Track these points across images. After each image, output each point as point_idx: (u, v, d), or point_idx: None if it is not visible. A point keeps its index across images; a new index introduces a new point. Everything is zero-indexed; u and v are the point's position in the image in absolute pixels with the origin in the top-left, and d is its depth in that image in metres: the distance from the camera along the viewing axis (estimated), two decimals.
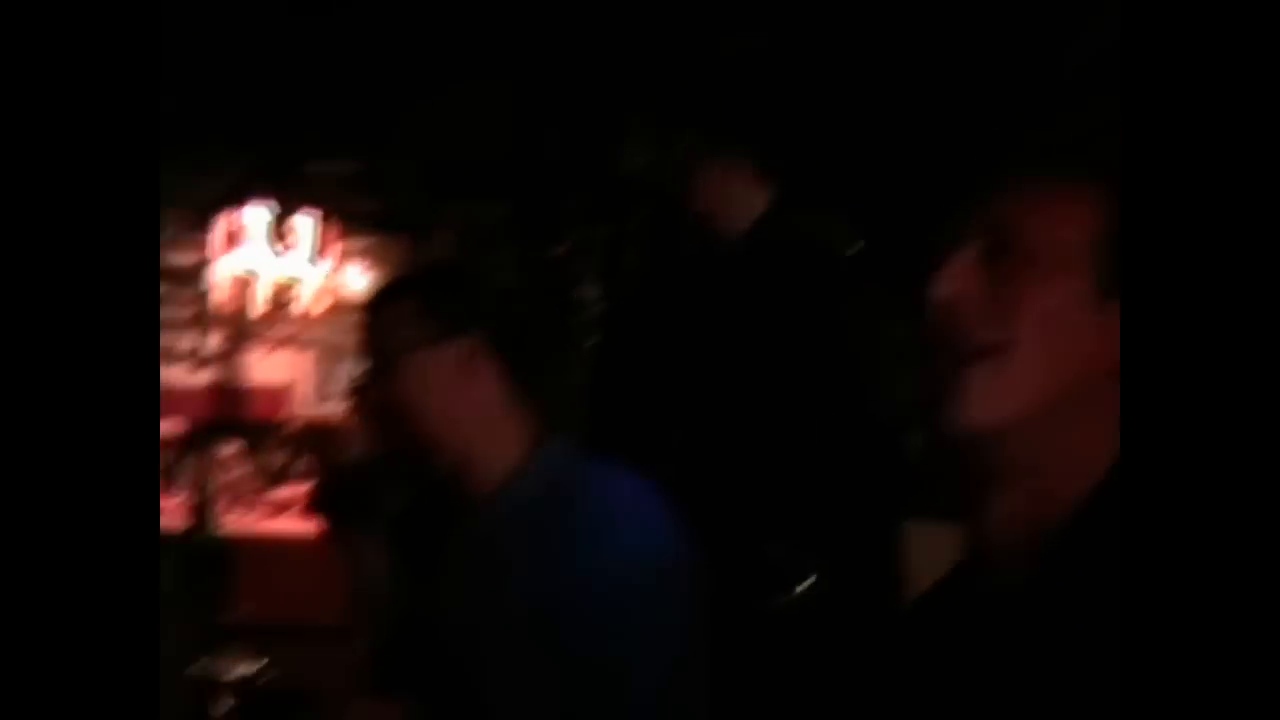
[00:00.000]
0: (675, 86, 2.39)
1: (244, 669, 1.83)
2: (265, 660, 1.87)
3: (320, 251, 4.94)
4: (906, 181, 3.24)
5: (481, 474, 1.56)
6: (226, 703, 1.75)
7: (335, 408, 5.59)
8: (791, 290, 2.15)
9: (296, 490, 4.87)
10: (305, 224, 4.88)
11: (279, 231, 4.80)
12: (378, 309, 1.66)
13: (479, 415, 1.57)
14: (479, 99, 4.78)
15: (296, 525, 4.40)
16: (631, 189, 3.63)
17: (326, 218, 4.98)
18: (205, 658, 1.80)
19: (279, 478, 5.35)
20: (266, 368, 5.69)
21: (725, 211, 2.21)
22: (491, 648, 1.50)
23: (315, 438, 5.64)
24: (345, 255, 5.29)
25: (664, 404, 2.27)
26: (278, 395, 5.72)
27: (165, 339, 5.58)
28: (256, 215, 4.81)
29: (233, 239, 4.82)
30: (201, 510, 2.32)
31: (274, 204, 4.83)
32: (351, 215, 5.34)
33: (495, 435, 1.58)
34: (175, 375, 5.54)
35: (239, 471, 4.84)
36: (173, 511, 4.39)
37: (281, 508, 4.64)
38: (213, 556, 2.28)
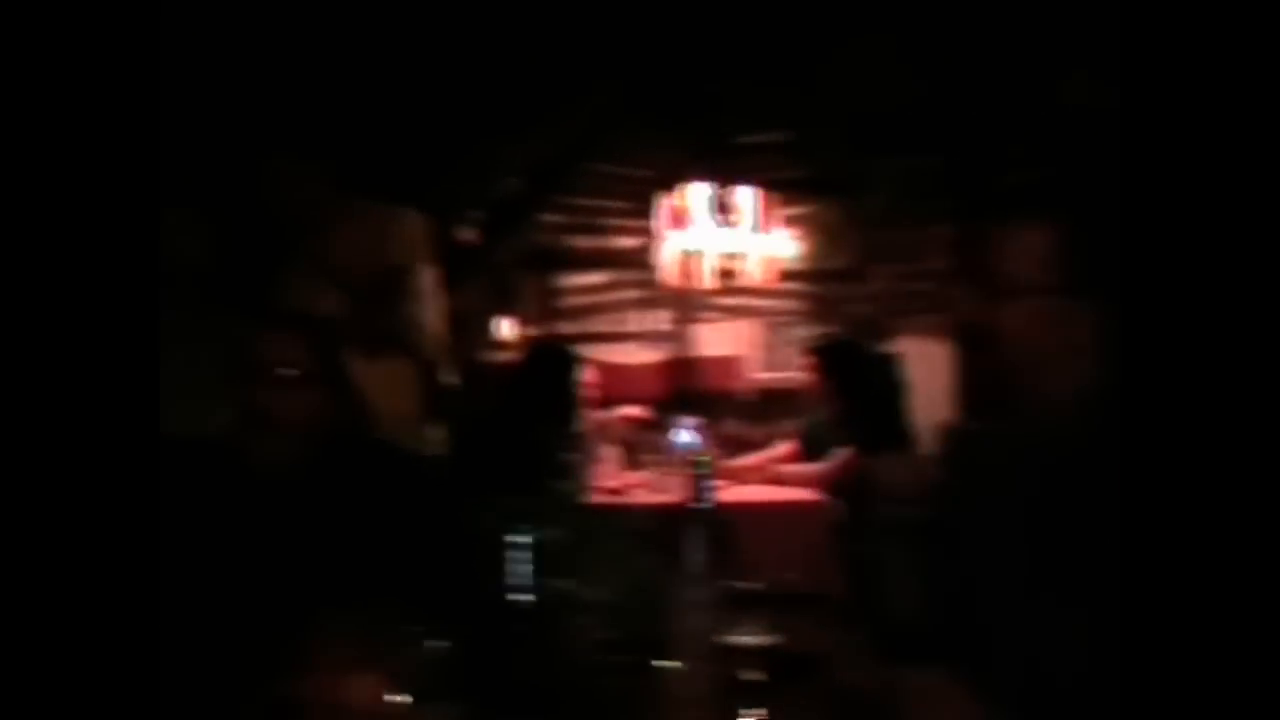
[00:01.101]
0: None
1: (759, 636, 1.87)
2: (775, 627, 1.90)
3: (762, 222, 4.99)
4: None
5: None
6: (752, 670, 1.79)
7: (787, 375, 5.66)
8: None
9: (757, 458, 4.97)
10: (746, 197, 4.94)
11: (721, 207, 4.88)
12: None
13: None
14: (876, 53, 4.70)
15: (759, 494, 4.48)
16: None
17: (764, 188, 5.02)
18: (723, 625, 1.85)
19: (738, 447, 5.48)
20: (715, 339, 5.84)
21: None
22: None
23: (769, 404, 5.75)
24: (784, 223, 5.32)
25: None
26: (728, 365, 5.85)
27: (615, 320, 5.85)
28: (698, 193, 4.91)
29: (677, 218, 4.95)
30: (697, 481, 2.36)
31: (713, 180, 4.92)
32: (786, 183, 5.37)
33: None
34: (628, 354, 5.80)
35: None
36: (638, 488, 4.62)
37: (742, 476, 4.71)
38: (718, 525, 2.33)
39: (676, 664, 1.66)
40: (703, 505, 2.37)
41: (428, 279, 3.20)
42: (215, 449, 2.23)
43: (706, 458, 2.57)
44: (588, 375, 4.55)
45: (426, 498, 2.36)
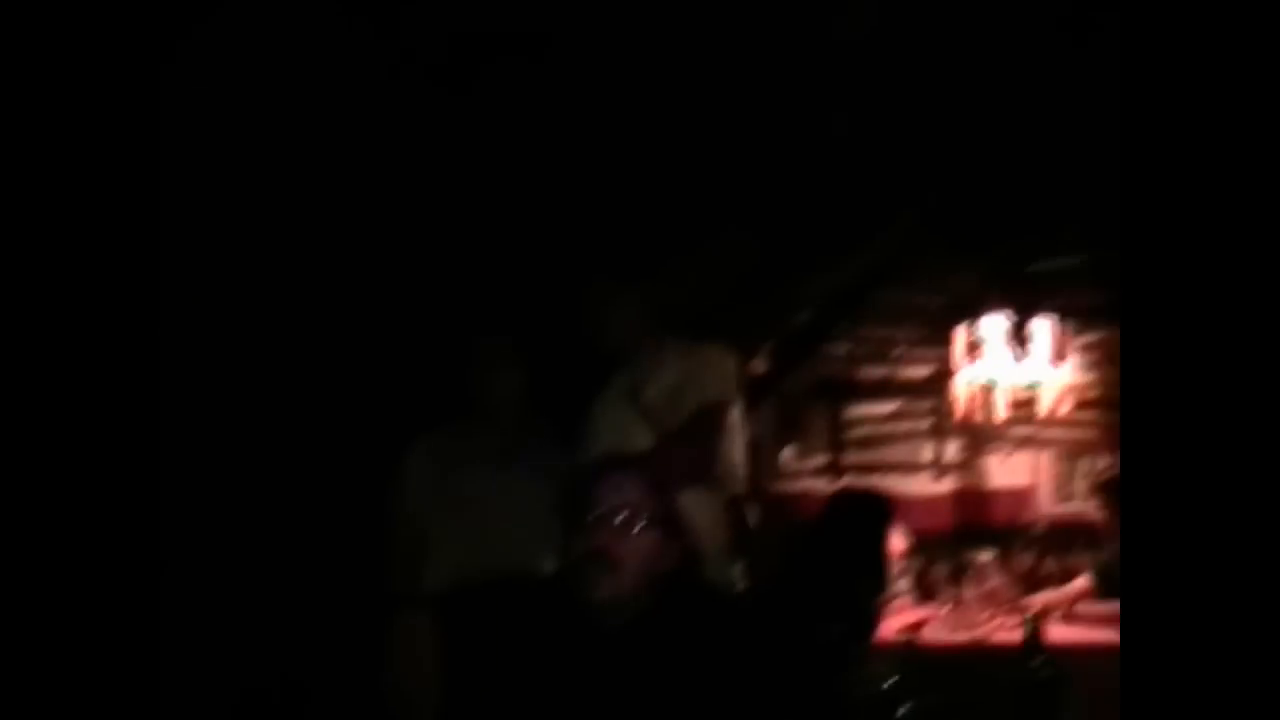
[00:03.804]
0: None
1: None
2: None
3: (1058, 353, 4.85)
4: None
5: None
6: None
7: (1079, 506, 5.44)
8: None
9: (1054, 595, 4.77)
10: (1042, 326, 4.82)
11: (1017, 337, 4.77)
12: None
13: None
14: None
15: (1061, 634, 4.28)
16: None
17: (1060, 317, 4.89)
18: None
19: (1031, 582, 5.28)
20: (1006, 470, 5.67)
21: None
22: None
23: (1063, 538, 5.52)
24: (1080, 351, 5.16)
25: None
26: (1020, 497, 5.66)
27: (905, 450, 5.74)
28: (993, 322, 4.82)
29: (972, 349, 4.87)
30: (1031, 636, 2.28)
31: (1009, 309, 4.82)
32: (1082, 310, 5.21)
33: None
34: (918, 485, 5.68)
35: (995, 580, 4.80)
36: (931, 622, 4.50)
37: (1043, 614, 4.51)
38: (1050, 686, 2.24)
39: None
40: (1040, 667, 2.29)
41: (738, 414, 3.23)
42: (551, 587, 2.27)
43: (1033, 615, 2.49)
44: (895, 525, 4.51)
45: (754, 644, 2.34)
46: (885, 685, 2.08)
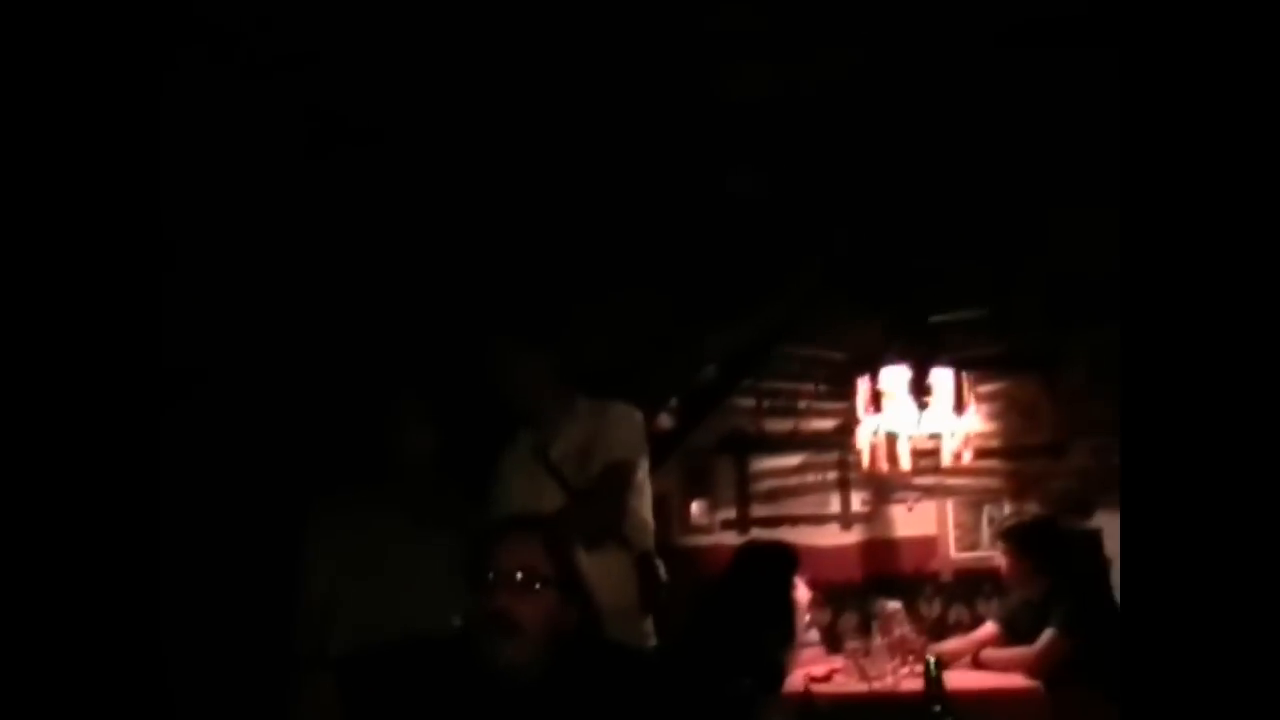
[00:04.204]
0: None
1: None
2: None
3: (959, 403, 4.94)
4: None
5: None
6: None
7: (984, 553, 5.52)
8: None
9: (961, 642, 4.83)
10: (944, 377, 4.91)
11: (918, 388, 4.86)
12: None
13: None
14: (1091, 222, 4.64)
15: (969, 680, 4.33)
16: None
17: (959, 368, 4.98)
18: None
19: (938, 630, 5.33)
20: (911, 520, 5.74)
21: None
22: None
23: (968, 585, 5.59)
24: (981, 400, 5.26)
25: None
26: (926, 546, 5.73)
27: (812, 502, 5.79)
28: (896, 374, 4.90)
29: (875, 400, 4.94)
30: (931, 682, 2.31)
31: (910, 361, 4.90)
32: (983, 360, 5.32)
33: None
34: (825, 536, 5.73)
35: (902, 628, 4.85)
36: (840, 672, 4.52)
37: (949, 661, 4.56)
38: None
39: None
40: (939, 715, 2.32)
41: (645, 470, 3.25)
42: (453, 648, 2.26)
43: (935, 659, 2.53)
44: (800, 575, 4.54)
45: (660, 700, 2.34)
46: None
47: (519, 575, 2.19)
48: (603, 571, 2.75)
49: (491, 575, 2.20)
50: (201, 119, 3.03)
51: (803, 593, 4.79)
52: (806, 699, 3.67)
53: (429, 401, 3.38)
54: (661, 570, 3.23)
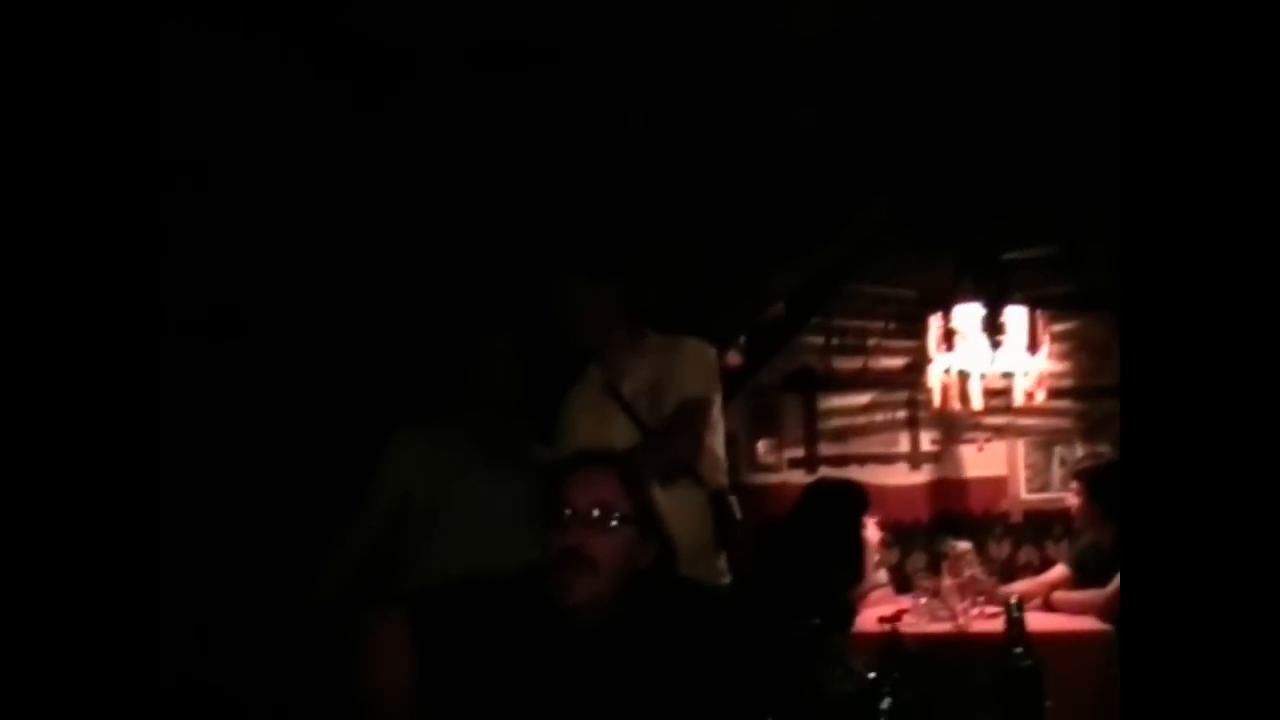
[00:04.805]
0: None
1: None
2: None
3: (1032, 342, 4.86)
4: None
5: None
6: None
7: (1054, 495, 5.47)
8: None
9: (1030, 584, 4.78)
10: (1017, 316, 4.83)
11: (991, 326, 4.78)
12: None
13: None
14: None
15: (1041, 622, 4.28)
16: None
17: (1033, 306, 4.90)
18: None
19: (1007, 571, 5.29)
20: (981, 460, 5.69)
21: None
22: None
23: (1038, 526, 5.54)
24: (1053, 340, 5.17)
25: None
26: (996, 487, 5.68)
27: (881, 442, 5.74)
28: (968, 312, 4.83)
29: (946, 339, 4.87)
30: (1011, 627, 2.27)
31: (984, 299, 4.83)
32: (1055, 299, 5.23)
33: None
34: (894, 475, 5.69)
35: (972, 569, 4.80)
36: (909, 612, 4.49)
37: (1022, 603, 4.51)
38: (1030, 675, 2.23)
39: None
40: (1020, 656, 2.28)
41: (718, 408, 3.22)
42: (527, 585, 2.25)
43: (1016, 601, 2.48)
44: (869, 514, 4.51)
45: (732, 639, 2.33)
46: (866, 677, 2.08)
47: (595, 512, 2.17)
48: (677, 508, 2.73)
49: (568, 512, 2.18)
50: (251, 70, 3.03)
51: (872, 532, 4.77)
52: (892, 637, 3.64)
53: (510, 339, 3.37)
54: (736, 508, 3.21)
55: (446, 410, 3.43)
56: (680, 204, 4.04)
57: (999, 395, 5.14)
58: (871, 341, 5.69)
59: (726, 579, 3.21)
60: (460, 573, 2.51)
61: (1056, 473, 5.59)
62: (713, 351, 3.30)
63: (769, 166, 4.15)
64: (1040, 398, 5.08)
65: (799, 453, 5.75)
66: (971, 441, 5.66)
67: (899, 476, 5.70)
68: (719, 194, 4.10)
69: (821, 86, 3.94)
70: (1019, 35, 3.79)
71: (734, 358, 5.09)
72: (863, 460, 5.66)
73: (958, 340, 4.84)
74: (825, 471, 5.51)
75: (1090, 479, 4.60)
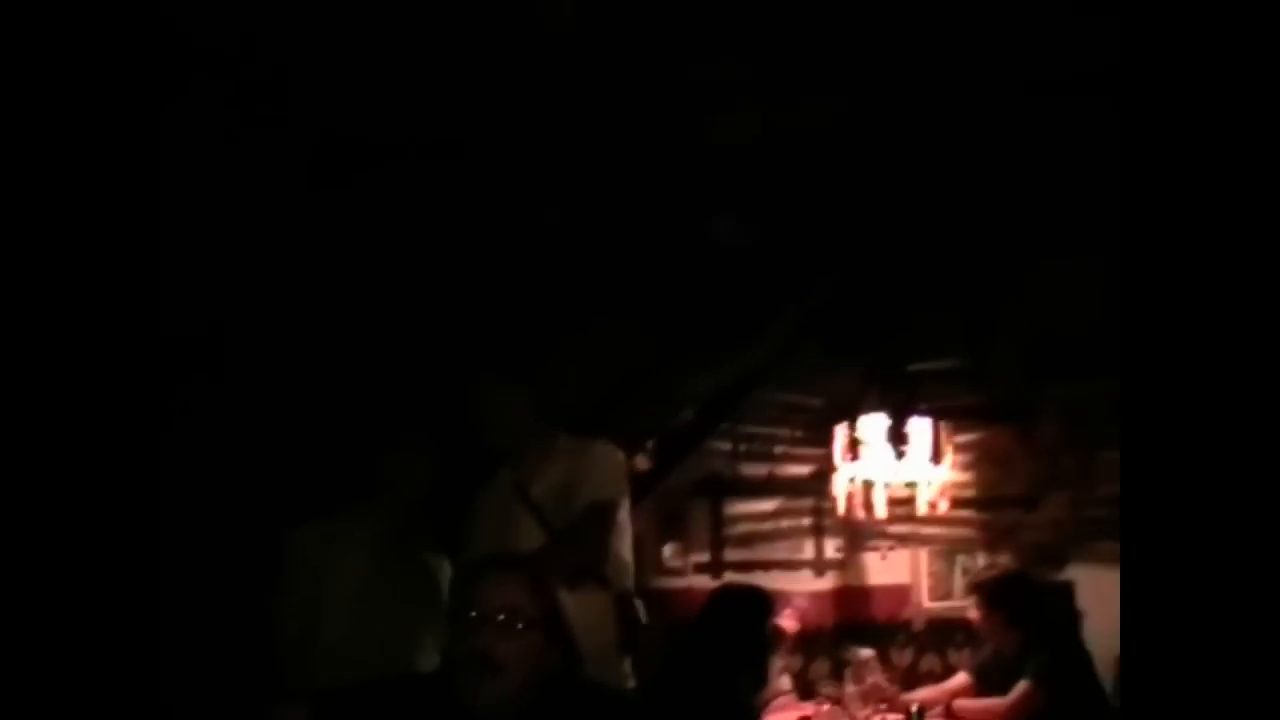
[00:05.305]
0: None
1: None
2: None
3: (936, 452, 4.95)
4: None
5: None
6: None
7: (956, 603, 5.52)
8: None
9: (933, 691, 4.82)
10: (922, 427, 4.92)
11: (896, 436, 4.87)
12: None
13: None
14: (1070, 276, 4.69)
15: None
16: None
17: (937, 417, 5.00)
18: None
19: (910, 679, 5.33)
20: (885, 568, 5.75)
21: None
22: None
23: (941, 634, 5.60)
24: (957, 450, 5.28)
25: None
26: (899, 594, 5.73)
27: (786, 547, 5.78)
28: (874, 422, 4.92)
29: (852, 447, 4.95)
30: None
31: (888, 409, 4.92)
32: (959, 410, 5.34)
33: None
34: (799, 582, 5.72)
35: (874, 676, 4.83)
36: (807, 718, 4.50)
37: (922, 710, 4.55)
38: None
39: None
40: None
41: (626, 511, 3.24)
42: (432, 687, 2.23)
43: (918, 708, 2.52)
44: (780, 618, 4.53)
45: None
46: None
47: (502, 615, 2.17)
48: (583, 611, 2.71)
49: (474, 614, 2.18)
50: (199, 146, 3.03)
51: (790, 624, 4.79)
52: None
53: (429, 439, 3.34)
54: (641, 611, 3.21)
55: (352, 505, 3.39)
56: (597, 304, 4.08)
57: (903, 504, 5.20)
58: (779, 449, 5.74)
59: (632, 683, 3.20)
60: (364, 671, 2.48)
61: (959, 582, 5.64)
62: (621, 455, 3.32)
63: (686, 270, 4.22)
64: (943, 507, 5.15)
65: (705, 557, 5.75)
66: (875, 549, 5.72)
67: (803, 583, 5.72)
68: (636, 295, 4.16)
69: (741, 195, 4.03)
70: (932, 149, 3.91)
71: (643, 461, 5.11)
72: (768, 566, 5.67)
73: (863, 449, 4.92)
74: (731, 577, 5.51)
75: (989, 590, 4.68)
